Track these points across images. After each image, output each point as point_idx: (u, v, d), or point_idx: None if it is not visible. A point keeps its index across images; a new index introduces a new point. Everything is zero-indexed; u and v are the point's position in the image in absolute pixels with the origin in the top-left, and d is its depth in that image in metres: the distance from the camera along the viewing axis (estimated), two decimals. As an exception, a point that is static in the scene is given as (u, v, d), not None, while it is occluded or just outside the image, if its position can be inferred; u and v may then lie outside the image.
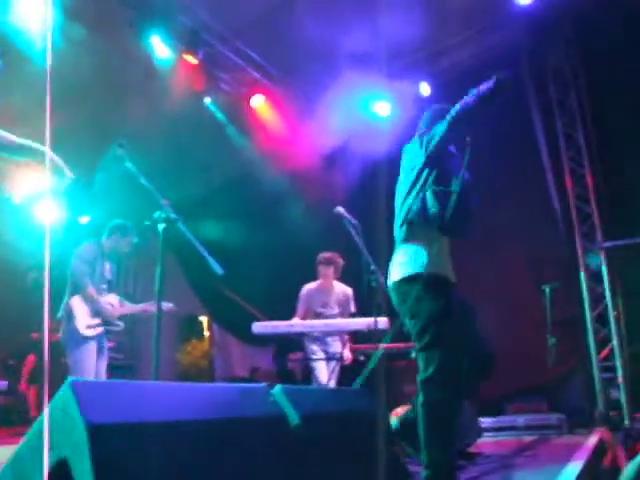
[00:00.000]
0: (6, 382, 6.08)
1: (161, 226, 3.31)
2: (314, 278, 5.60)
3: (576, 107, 6.99)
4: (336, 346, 5.44)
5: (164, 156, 6.84)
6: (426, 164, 2.92)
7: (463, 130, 2.86)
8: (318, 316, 5.49)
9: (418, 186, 2.91)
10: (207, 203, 8.16)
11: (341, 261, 5.55)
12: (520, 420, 5.83)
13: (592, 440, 4.86)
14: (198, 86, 6.64)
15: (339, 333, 5.35)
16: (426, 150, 2.93)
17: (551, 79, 7.09)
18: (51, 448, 1.68)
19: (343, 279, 5.67)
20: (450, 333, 2.73)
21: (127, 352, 7.40)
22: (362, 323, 4.99)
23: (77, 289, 4.46)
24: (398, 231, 3.00)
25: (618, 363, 6.49)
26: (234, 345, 8.98)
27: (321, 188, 7.06)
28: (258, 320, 5.18)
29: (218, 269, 3.10)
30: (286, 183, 7.40)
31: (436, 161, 2.91)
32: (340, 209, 4.47)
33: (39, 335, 8.02)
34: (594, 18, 6.10)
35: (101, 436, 1.62)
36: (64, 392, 1.71)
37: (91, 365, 4.31)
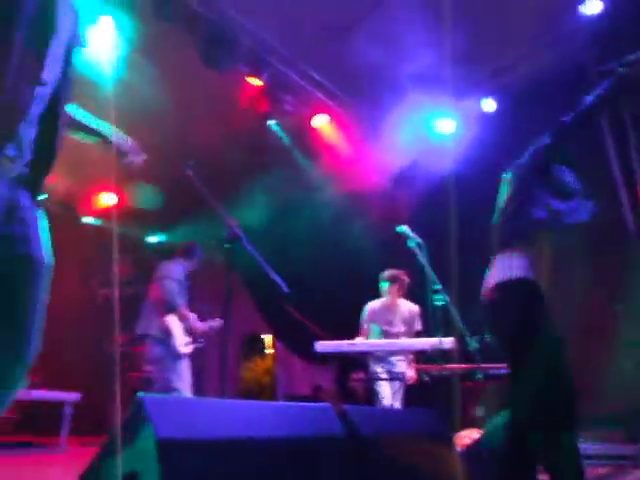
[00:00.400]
0: (78, 394, 6.31)
1: (227, 245, 3.38)
2: (378, 296, 5.56)
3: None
4: (401, 366, 5.34)
5: (229, 177, 7.00)
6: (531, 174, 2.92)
7: (577, 134, 2.90)
8: (383, 334, 5.43)
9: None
10: (270, 223, 8.26)
11: (406, 279, 5.48)
12: (594, 448, 5.55)
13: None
14: (262, 108, 6.78)
15: (403, 353, 5.26)
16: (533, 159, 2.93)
17: (623, 92, 6.82)
18: (122, 461, 1.73)
19: (407, 298, 5.60)
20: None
21: (191, 368, 7.54)
22: (427, 343, 4.90)
23: (171, 308, 4.62)
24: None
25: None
26: (297, 363, 9.01)
27: (386, 207, 7.05)
28: (321, 339, 5.18)
29: (284, 287, 3.14)
30: (350, 203, 7.42)
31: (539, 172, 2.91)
32: (405, 227, 4.45)
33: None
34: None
35: (170, 451, 1.66)
36: (136, 407, 1.76)
37: (186, 380, 4.52)
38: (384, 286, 5.48)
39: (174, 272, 4.69)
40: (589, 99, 2.74)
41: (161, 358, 4.55)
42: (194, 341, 4.69)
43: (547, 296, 2.74)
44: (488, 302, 2.84)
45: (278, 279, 3.15)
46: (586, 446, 5.68)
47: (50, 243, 1.58)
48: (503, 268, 2.79)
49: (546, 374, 2.57)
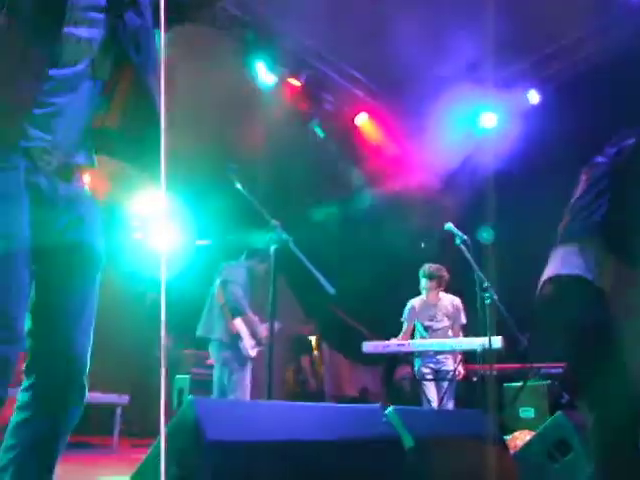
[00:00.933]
0: (128, 396, 6.45)
1: (273, 247, 3.39)
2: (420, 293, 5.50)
3: None
4: (448, 364, 5.24)
5: (271, 178, 7.04)
6: (613, 175, 2.82)
7: None
8: (427, 329, 5.35)
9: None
10: (316, 223, 8.28)
11: (446, 274, 5.38)
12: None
13: None
14: (303, 108, 6.80)
15: (451, 352, 5.15)
16: (616, 159, 2.83)
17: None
18: (173, 463, 1.75)
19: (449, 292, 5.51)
20: None
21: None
22: (475, 342, 4.80)
23: (237, 312, 4.67)
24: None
25: None
26: (344, 364, 8.98)
27: (432, 205, 6.96)
28: (368, 339, 5.15)
29: (330, 289, 3.13)
30: (396, 202, 7.36)
31: (624, 174, 2.81)
32: (450, 225, 4.38)
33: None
34: None
35: (219, 453, 1.66)
36: (186, 409, 1.77)
37: (248, 383, 4.57)
38: (423, 282, 5.40)
39: (238, 276, 4.73)
40: None
41: (228, 361, 4.61)
42: (258, 344, 4.69)
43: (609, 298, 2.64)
44: (542, 296, 2.75)
45: (324, 281, 3.13)
46: None
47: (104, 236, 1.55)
48: (563, 262, 2.70)
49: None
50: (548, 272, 2.74)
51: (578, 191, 2.91)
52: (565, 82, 6.70)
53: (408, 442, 2.39)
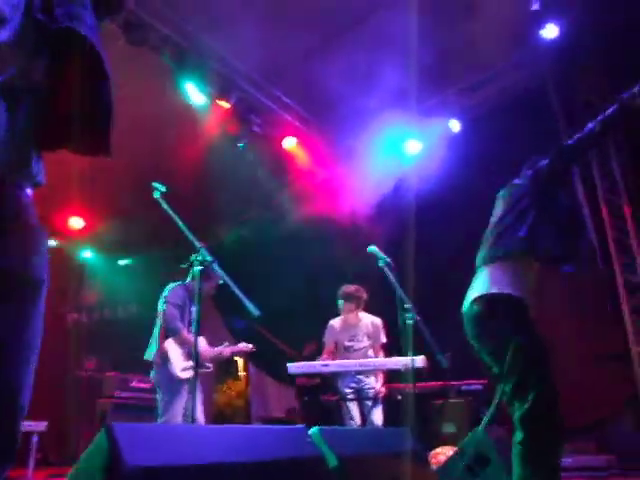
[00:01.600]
0: (45, 422, 6.14)
1: (197, 268, 3.36)
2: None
3: (610, 140, 6.90)
4: (370, 383, 5.29)
5: (198, 199, 6.98)
6: (533, 195, 2.96)
7: (579, 157, 2.95)
8: (347, 350, 5.41)
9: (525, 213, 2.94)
10: (240, 245, 8.25)
11: (364, 295, 5.45)
12: (567, 461, 5.60)
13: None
14: (232, 129, 6.80)
15: (376, 372, 5.22)
16: (533, 181, 2.98)
17: (582, 111, 7.04)
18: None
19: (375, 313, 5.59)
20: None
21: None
22: (398, 362, 4.90)
23: (170, 332, 4.55)
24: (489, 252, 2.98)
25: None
26: (270, 385, 8.93)
27: (355, 229, 7.08)
28: (293, 360, 5.15)
29: (254, 310, 3.12)
30: (319, 224, 7.44)
31: (542, 193, 2.96)
32: (374, 247, 4.47)
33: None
34: (625, 49, 6.06)
35: (139, 479, 1.63)
36: (103, 434, 1.72)
37: (181, 406, 4.37)
38: (340, 304, 5.47)
39: (174, 296, 4.61)
40: (592, 125, 2.80)
41: (159, 383, 4.48)
42: (199, 366, 4.53)
43: (533, 310, 2.82)
44: (474, 313, 2.87)
45: (248, 302, 3.13)
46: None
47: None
48: (492, 280, 2.83)
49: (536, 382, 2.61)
50: (476, 291, 2.86)
51: (498, 211, 3.07)
52: (483, 112, 7.04)
53: (332, 461, 2.40)
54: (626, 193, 6.83)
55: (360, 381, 5.31)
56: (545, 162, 2.97)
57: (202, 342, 4.65)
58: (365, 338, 5.43)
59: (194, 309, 4.57)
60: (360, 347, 5.40)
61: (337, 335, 5.46)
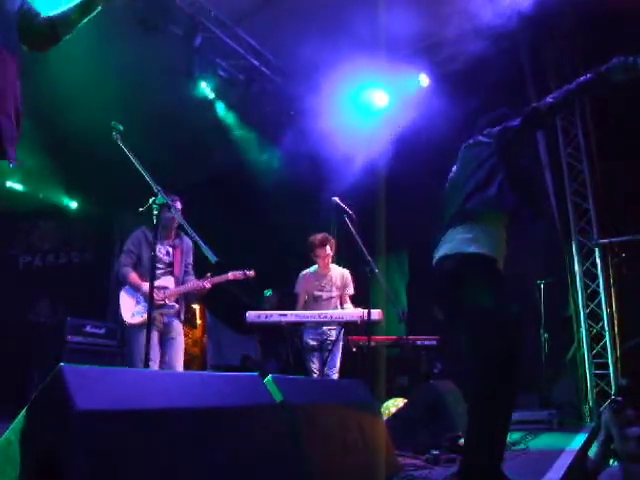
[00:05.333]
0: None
1: (155, 212, 3.29)
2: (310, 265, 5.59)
3: (576, 102, 6.96)
4: (333, 335, 5.35)
5: (158, 142, 6.79)
6: (500, 153, 2.95)
7: (544, 127, 2.93)
8: (316, 300, 5.46)
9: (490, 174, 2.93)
10: (201, 193, 8.13)
11: (332, 239, 5.47)
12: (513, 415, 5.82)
13: (583, 436, 4.90)
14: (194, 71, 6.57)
15: (332, 324, 5.27)
16: (501, 140, 2.95)
17: (551, 74, 7.07)
18: (39, 433, 1.67)
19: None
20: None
21: (119, 339, 7.37)
22: (355, 314, 4.97)
23: (120, 282, 4.49)
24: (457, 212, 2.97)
25: (610, 360, 6.52)
26: (226, 333, 8.98)
27: (316, 179, 7.03)
28: (251, 309, 5.15)
29: (212, 257, 3.07)
30: (281, 174, 7.37)
31: (509, 152, 2.95)
32: (336, 199, 4.45)
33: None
34: (597, 12, 6.06)
35: (89, 423, 1.61)
36: (54, 377, 1.69)
37: (139, 353, 4.24)
38: (315, 252, 5.47)
39: (128, 242, 4.53)
40: (568, 88, 2.79)
41: (125, 332, 4.48)
42: (160, 307, 4.39)
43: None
44: (443, 271, 2.89)
45: (206, 249, 3.08)
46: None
47: None
48: (463, 240, 2.84)
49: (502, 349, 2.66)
50: (447, 249, 2.88)
51: (467, 170, 3.06)
52: (451, 70, 6.97)
53: (285, 409, 2.44)
54: (588, 158, 6.95)
55: (324, 333, 5.37)
56: (515, 122, 2.95)
57: (169, 282, 4.56)
58: (334, 289, 5.48)
59: (164, 250, 4.57)
60: (328, 297, 5.45)
61: (307, 285, 5.51)
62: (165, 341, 4.46)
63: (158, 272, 4.42)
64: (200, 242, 3.11)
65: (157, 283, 4.39)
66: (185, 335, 4.80)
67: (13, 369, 6.99)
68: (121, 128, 3.30)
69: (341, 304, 5.49)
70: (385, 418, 4.36)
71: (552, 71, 7.04)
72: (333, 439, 2.68)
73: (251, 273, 4.69)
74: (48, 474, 1.60)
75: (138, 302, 4.43)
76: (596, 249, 6.80)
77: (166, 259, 4.58)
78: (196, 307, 9.06)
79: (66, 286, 8.90)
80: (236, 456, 2.00)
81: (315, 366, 5.28)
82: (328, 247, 5.42)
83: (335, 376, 5.22)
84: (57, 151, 7.33)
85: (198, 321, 9.17)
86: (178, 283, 4.62)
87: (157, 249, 4.24)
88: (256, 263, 4.92)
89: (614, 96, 6.21)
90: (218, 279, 4.58)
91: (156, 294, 4.31)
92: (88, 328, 7.08)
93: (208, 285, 4.53)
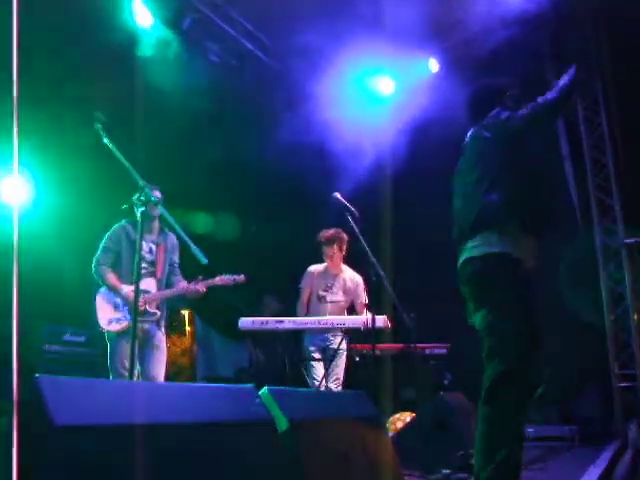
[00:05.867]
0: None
1: (139, 209, 3.29)
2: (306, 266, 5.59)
3: (599, 90, 6.94)
4: (336, 342, 5.31)
5: (146, 136, 6.79)
6: (501, 153, 2.98)
7: (544, 128, 2.98)
8: (320, 300, 5.44)
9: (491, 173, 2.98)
10: (192, 191, 8.13)
11: (345, 236, 5.42)
12: (529, 431, 5.84)
13: (608, 454, 4.89)
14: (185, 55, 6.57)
15: (333, 330, 5.25)
16: (500, 138, 2.99)
17: (573, 60, 7.05)
18: (15, 447, 1.67)
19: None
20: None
21: (101, 347, 7.37)
22: (358, 320, 4.96)
23: (98, 284, 4.34)
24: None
25: (638, 371, 6.49)
26: (218, 342, 8.96)
27: (317, 173, 7.01)
28: (245, 315, 5.15)
29: (202, 258, 3.07)
30: (279, 168, 7.36)
31: (512, 150, 2.98)
32: (337, 195, 4.45)
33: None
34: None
35: (67, 438, 1.61)
36: (30, 389, 1.69)
37: (119, 363, 4.14)
38: (323, 249, 5.46)
39: (106, 239, 4.37)
40: (570, 76, 2.84)
41: (107, 339, 4.31)
42: (140, 314, 4.03)
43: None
44: (466, 273, 2.98)
45: (196, 249, 3.08)
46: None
47: None
48: (484, 242, 2.90)
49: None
50: (469, 253, 2.94)
51: (468, 166, 3.10)
52: (462, 54, 6.98)
53: (282, 424, 2.44)
54: (613, 150, 6.91)
55: (327, 340, 5.35)
56: (520, 115, 2.94)
57: (150, 284, 4.36)
58: (341, 292, 5.45)
59: (147, 248, 4.38)
60: (334, 300, 5.43)
61: (313, 282, 5.49)
62: (145, 352, 4.28)
63: (144, 272, 4.30)
64: (189, 242, 3.11)
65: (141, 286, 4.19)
66: (173, 344, 4.76)
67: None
68: (103, 119, 3.31)
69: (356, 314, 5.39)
70: (391, 434, 4.37)
71: (574, 58, 7.03)
72: (335, 457, 2.68)
73: (241, 278, 4.47)
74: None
75: (117, 307, 4.26)
76: (622, 249, 6.76)
77: (148, 257, 4.39)
78: (185, 312, 9.04)
79: (44, 290, 8.88)
80: (228, 476, 2.01)
81: (316, 376, 5.26)
82: (336, 246, 5.40)
83: (338, 388, 5.21)
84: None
85: (187, 328, 9.16)
86: (160, 286, 4.42)
87: (143, 247, 4.21)
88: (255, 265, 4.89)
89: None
90: (208, 283, 4.39)
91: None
92: (67, 336, 7.08)
93: (203, 289, 4.36)
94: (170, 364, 9.46)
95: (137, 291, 3.22)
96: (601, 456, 4.83)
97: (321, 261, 5.54)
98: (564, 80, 2.84)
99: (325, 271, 5.49)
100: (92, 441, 1.67)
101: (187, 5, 6.24)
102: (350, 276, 5.51)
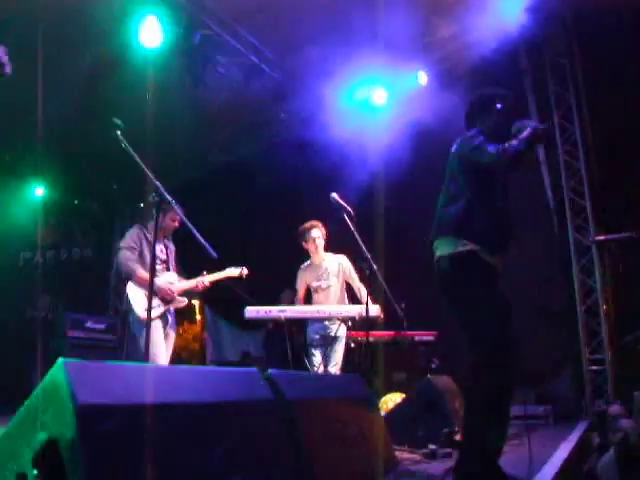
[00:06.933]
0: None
1: (154, 210, 3.29)
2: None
3: (573, 99, 6.96)
4: (334, 329, 5.30)
5: (157, 141, 6.78)
6: (464, 174, 2.97)
7: (500, 171, 2.96)
8: (315, 291, 5.44)
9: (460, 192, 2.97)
10: (199, 190, 8.13)
11: (316, 223, 5.42)
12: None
13: (578, 431, 4.91)
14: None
15: (331, 318, 5.25)
16: (463, 161, 2.99)
17: (549, 71, 7.06)
18: (41, 427, 1.68)
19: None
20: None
21: (119, 333, 7.39)
22: (353, 310, 4.97)
23: (126, 276, 4.47)
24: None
25: (607, 355, 6.53)
26: (226, 329, 8.98)
27: (314, 178, 7.01)
28: (250, 304, 5.15)
29: (212, 253, 3.08)
30: (283, 173, 7.35)
31: (472, 173, 2.96)
32: (335, 195, 4.45)
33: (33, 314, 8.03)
34: (593, 9, 6.04)
35: (91, 417, 1.62)
36: (56, 372, 1.70)
37: (158, 344, 4.30)
38: (304, 245, 5.46)
39: (128, 239, 4.52)
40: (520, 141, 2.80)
41: (133, 329, 4.42)
42: (169, 302, 4.48)
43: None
44: (439, 271, 2.97)
45: (207, 245, 3.08)
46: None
47: None
48: (451, 241, 2.89)
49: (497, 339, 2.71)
50: (440, 250, 2.94)
51: (445, 177, 3.11)
52: (449, 66, 6.96)
53: (285, 404, 2.45)
54: (585, 155, 6.94)
55: (326, 327, 5.36)
56: (488, 153, 2.83)
57: (172, 277, 4.60)
58: (332, 277, 5.43)
59: (159, 248, 4.55)
60: (327, 286, 5.41)
61: (305, 278, 5.50)
62: (165, 334, 4.52)
63: (157, 268, 4.43)
64: (200, 238, 3.11)
65: (163, 278, 4.52)
66: (184, 331, 4.83)
67: (14, 364, 6.99)
68: (121, 124, 3.29)
69: (357, 293, 5.40)
70: (383, 413, 4.38)
71: (551, 71, 7.04)
72: (332, 433, 2.69)
73: (243, 271, 4.76)
74: (50, 467, 1.61)
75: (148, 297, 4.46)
76: (593, 246, 6.80)
77: (162, 256, 4.60)
78: (195, 302, 9.06)
79: (67, 282, 8.91)
80: (235, 451, 2.01)
81: (317, 361, 5.27)
82: (314, 231, 5.38)
83: (337, 372, 5.22)
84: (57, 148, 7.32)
85: (197, 316, 9.18)
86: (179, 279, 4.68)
87: (156, 247, 4.31)
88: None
89: (613, 93, 6.25)
90: (214, 277, 4.67)
91: (167, 288, 4.46)
92: (89, 324, 7.10)
93: (207, 283, 4.63)
94: (183, 349, 9.51)
95: (151, 283, 3.24)
96: (572, 433, 4.85)
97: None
98: (527, 133, 2.77)
99: (311, 264, 5.50)
100: (112, 419, 1.68)
101: (198, 22, 6.21)
102: (334, 259, 5.49)
